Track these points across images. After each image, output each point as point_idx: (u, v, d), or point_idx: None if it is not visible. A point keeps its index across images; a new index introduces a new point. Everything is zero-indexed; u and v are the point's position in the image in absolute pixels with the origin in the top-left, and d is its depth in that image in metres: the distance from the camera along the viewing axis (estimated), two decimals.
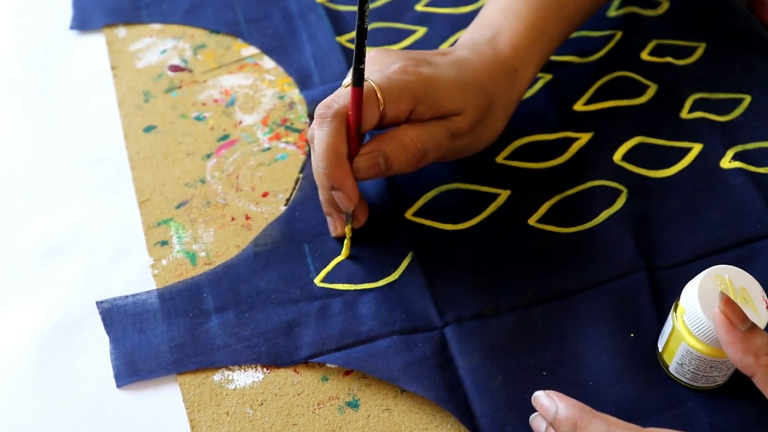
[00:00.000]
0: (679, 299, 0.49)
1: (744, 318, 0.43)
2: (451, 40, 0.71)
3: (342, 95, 0.53)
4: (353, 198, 0.53)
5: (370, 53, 0.55)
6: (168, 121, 0.66)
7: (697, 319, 0.46)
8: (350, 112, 0.52)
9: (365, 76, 0.51)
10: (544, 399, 0.46)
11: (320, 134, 0.52)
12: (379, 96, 0.52)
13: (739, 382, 0.50)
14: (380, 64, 0.54)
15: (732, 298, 0.45)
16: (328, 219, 0.58)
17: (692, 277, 0.48)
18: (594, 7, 0.65)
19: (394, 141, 0.53)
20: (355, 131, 0.52)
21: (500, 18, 0.59)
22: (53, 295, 0.57)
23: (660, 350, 0.51)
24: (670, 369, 0.51)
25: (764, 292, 0.47)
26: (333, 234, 0.58)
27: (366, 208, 0.57)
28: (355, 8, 0.74)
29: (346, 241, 0.57)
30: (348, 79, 0.53)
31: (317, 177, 0.54)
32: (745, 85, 0.67)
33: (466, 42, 0.59)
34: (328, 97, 0.53)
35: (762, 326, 0.46)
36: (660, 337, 0.52)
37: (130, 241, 0.59)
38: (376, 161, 0.53)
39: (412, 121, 0.54)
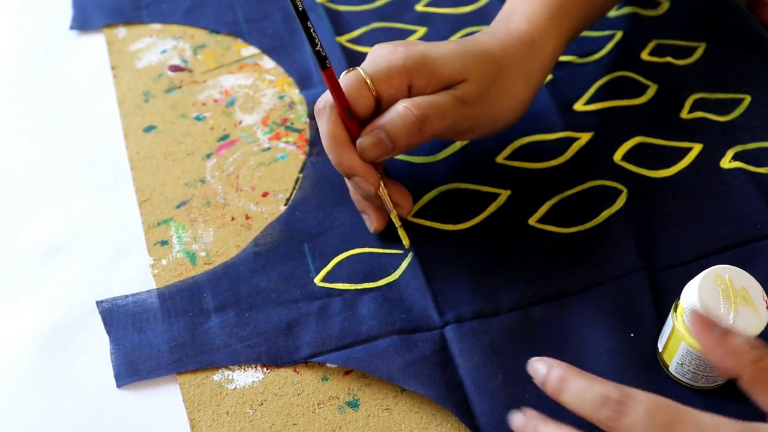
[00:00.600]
0: (679, 299, 0.49)
1: (713, 324, 0.43)
2: (452, 39, 0.71)
3: (328, 90, 0.53)
4: (370, 179, 0.53)
5: (372, 49, 0.55)
6: (168, 121, 0.66)
7: None
8: (336, 105, 0.52)
9: (360, 67, 0.53)
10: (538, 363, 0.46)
11: (320, 128, 0.53)
12: (367, 80, 0.52)
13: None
14: (374, 52, 0.54)
15: (732, 297, 0.45)
16: (364, 217, 0.58)
17: (692, 277, 0.48)
18: None
19: (390, 113, 0.52)
20: (343, 114, 0.52)
21: (516, 2, 0.60)
22: (53, 295, 0.57)
23: (660, 350, 0.51)
24: (670, 369, 0.51)
25: (764, 292, 0.47)
26: (372, 230, 0.58)
27: (406, 193, 0.57)
28: (355, 8, 0.74)
29: (399, 232, 0.57)
30: (343, 73, 0.54)
31: (339, 171, 0.54)
32: (745, 85, 0.67)
33: (483, 30, 0.59)
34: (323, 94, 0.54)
35: (762, 326, 0.46)
36: (660, 338, 0.52)
37: (130, 241, 0.59)
38: (379, 138, 0.52)
39: (415, 95, 0.53)
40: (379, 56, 0.53)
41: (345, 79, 0.53)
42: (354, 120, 0.53)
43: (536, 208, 0.60)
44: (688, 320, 0.44)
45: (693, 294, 0.47)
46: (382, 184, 0.54)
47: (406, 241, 0.57)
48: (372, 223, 0.57)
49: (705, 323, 0.43)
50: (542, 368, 0.44)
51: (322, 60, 0.52)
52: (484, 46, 0.56)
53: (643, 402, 0.40)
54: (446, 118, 0.53)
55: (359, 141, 0.53)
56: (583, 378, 0.42)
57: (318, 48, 0.52)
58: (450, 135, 0.56)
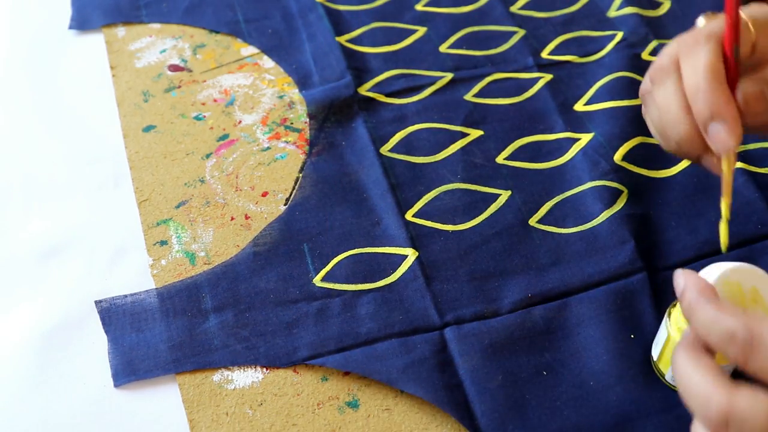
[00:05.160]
0: (673, 306, 0.48)
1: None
2: (452, 39, 0.71)
3: (707, 25, 0.46)
4: (737, 130, 0.44)
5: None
6: (167, 121, 0.66)
7: None
8: (726, 35, 0.44)
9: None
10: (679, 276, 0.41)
11: (695, 59, 0.44)
12: (750, 26, 0.45)
13: None
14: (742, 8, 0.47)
15: (742, 302, 0.44)
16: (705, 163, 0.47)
17: None
18: None
19: None
20: (731, 51, 0.44)
21: None
22: (52, 295, 0.57)
23: (655, 359, 0.51)
24: (666, 378, 0.50)
25: None
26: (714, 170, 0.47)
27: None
28: (355, 8, 0.74)
29: (722, 227, 0.46)
30: (701, 18, 0.47)
31: (699, 114, 0.45)
32: None
33: None
34: (692, 29, 0.46)
35: None
36: (654, 347, 0.51)
37: (129, 241, 0.59)
38: (764, 93, 0.45)
39: None
40: (754, 7, 0.46)
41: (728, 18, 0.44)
42: (737, 63, 0.45)
43: (536, 209, 0.60)
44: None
45: None
46: (733, 157, 0.45)
47: (725, 243, 0.47)
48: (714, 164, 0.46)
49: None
50: (679, 284, 0.41)
51: None
52: None
53: None
54: None
55: (746, 87, 0.45)
56: (710, 309, 0.38)
57: None
58: None
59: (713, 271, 0.44)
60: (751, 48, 0.45)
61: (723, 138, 0.44)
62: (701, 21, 0.47)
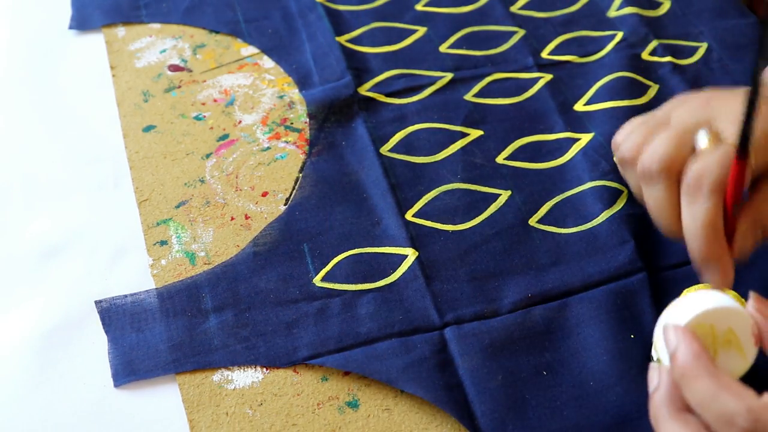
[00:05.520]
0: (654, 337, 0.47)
1: None
2: (452, 39, 0.71)
3: (712, 164, 0.45)
4: (730, 275, 0.45)
5: (675, 102, 0.50)
6: (167, 121, 0.66)
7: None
8: (729, 188, 0.45)
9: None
10: (670, 332, 0.41)
11: (694, 210, 0.45)
12: (751, 157, 0.43)
13: None
14: (721, 111, 0.48)
15: (712, 345, 0.42)
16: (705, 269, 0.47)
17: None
18: None
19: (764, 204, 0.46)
20: (731, 210, 0.45)
21: None
22: (52, 295, 0.57)
23: (655, 359, 0.50)
24: None
25: (755, 328, 0.43)
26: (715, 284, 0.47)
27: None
28: (355, 8, 0.74)
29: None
30: (704, 141, 0.47)
31: (693, 255, 0.46)
32: (746, 86, 0.67)
33: None
34: (695, 165, 0.46)
35: (747, 365, 0.43)
36: (653, 350, 0.51)
37: (129, 241, 0.59)
38: (756, 235, 0.46)
39: None
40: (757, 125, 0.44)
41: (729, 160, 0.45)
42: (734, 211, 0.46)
43: (536, 209, 0.60)
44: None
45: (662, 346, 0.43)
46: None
47: None
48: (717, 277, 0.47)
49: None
50: (671, 341, 0.40)
51: (745, 148, 0.43)
52: None
53: None
54: None
55: (742, 240, 0.46)
56: (709, 383, 0.37)
57: (750, 136, 0.43)
58: None
59: (689, 309, 0.43)
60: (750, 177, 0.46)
61: (715, 278, 0.46)
62: (703, 139, 0.47)
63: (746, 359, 0.43)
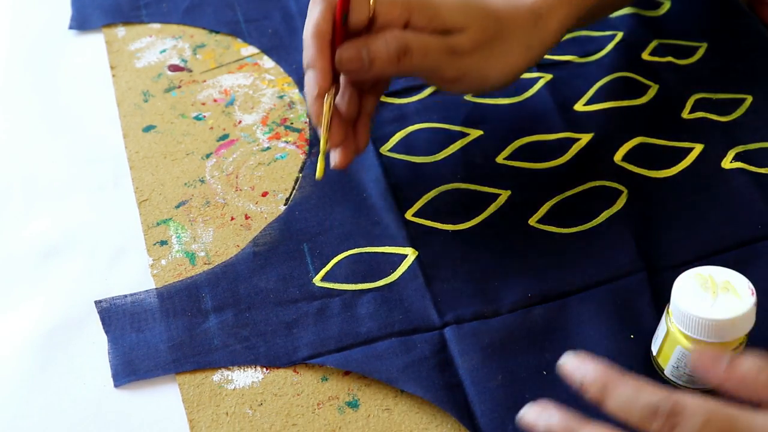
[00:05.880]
0: (669, 303, 0.49)
1: (718, 357, 0.41)
2: None
3: None
4: (321, 81, 0.52)
5: None
6: (167, 121, 0.66)
7: (681, 316, 0.47)
8: (338, 3, 0.51)
9: None
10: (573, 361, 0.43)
11: (309, 15, 0.52)
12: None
13: None
14: None
15: (712, 288, 0.46)
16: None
17: None
18: None
19: (378, 37, 0.52)
20: (340, 16, 0.51)
21: None
22: (53, 295, 0.57)
23: (654, 354, 0.51)
24: (665, 372, 0.50)
25: (752, 286, 0.47)
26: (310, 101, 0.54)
27: (342, 131, 0.55)
28: None
29: (320, 159, 0.55)
30: None
31: (304, 60, 0.53)
32: (746, 86, 0.67)
33: None
34: None
35: (746, 308, 0.45)
36: (653, 342, 0.51)
37: (129, 241, 0.59)
38: (359, 54, 0.52)
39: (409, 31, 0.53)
40: None
41: None
42: (345, 27, 0.52)
43: (536, 209, 0.60)
44: (692, 361, 0.43)
45: (674, 293, 0.47)
46: (331, 96, 0.53)
47: (319, 173, 0.55)
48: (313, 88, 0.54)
49: (709, 359, 0.41)
50: (578, 371, 0.42)
51: None
52: (491, 5, 0.55)
53: (696, 413, 0.37)
54: (428, 59, 0.53)
55: (340, 49, 0.52)
56: (628, 384, 0.40)
57: None
58: (433, 79, 0.56)
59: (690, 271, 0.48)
60: (369, 14, 0.52)
61: (310, 83, 0.53)
62: None
63: (744, 303, 0.46)
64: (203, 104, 0.67)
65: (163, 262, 0.58)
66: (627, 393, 0.39)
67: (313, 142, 0.64)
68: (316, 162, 0.54)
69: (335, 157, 0.56)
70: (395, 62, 0.52)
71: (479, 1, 0.55)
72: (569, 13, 0.58)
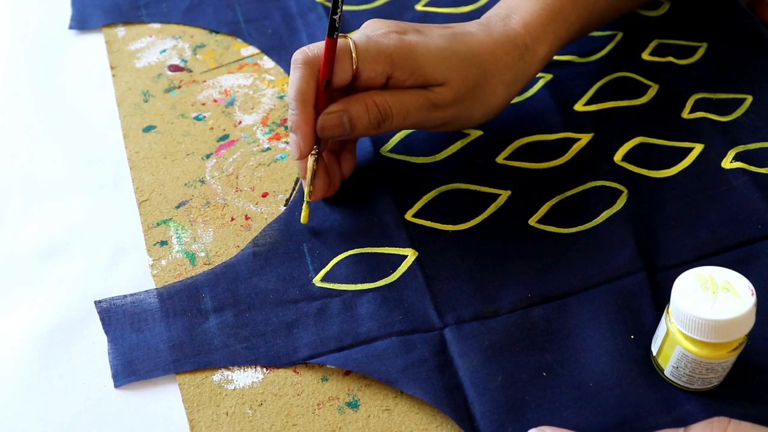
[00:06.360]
0: (669, 303, 0.49)
1: None
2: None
3: (320, 45, 0.54)
4: (303, 147, 0.55)
5: (367, 21, 0.57)
6: (167, 121, 0.66)
7: (681, 316, 0.46)
8: (322, 63, 0.53)
9: (352, 37, 0.53)
10: None
11: (291, 78, 0.54)
12: (353, 53, 0.53)
13: (736, 384, 0.50)
14: (368, 29, 0.56)
15: (712, 288, 0.46)
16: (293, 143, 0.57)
17: None
18: (621, 1, 0.65)
19: (359, 102, 0.54)
20: (322, 82, 0.53)
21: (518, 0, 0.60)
22: (52, 295, 0.57)
23: (654, 354, 0.51)
24: (665, 372, 0.50)
25: (752, 286, 0.47)
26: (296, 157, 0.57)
27: (325, 185, 0.58)
28: (355, 8, 0.74)
29: (304, 207, 0.58)
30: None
31: (288, 124, 0.55)
32: (746, 85, 0.67)
33: (481, 20, 0.59)
34: (308, 45, 0.55)
35: (745, 309, 0.45)
36: (653, 342, 0.51)
37: (130, 241, 0.59)
38: (341, 121, 0.54)
39: (391, 87, 0.55)
40: (372, 36, 0.54)
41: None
42: (327, 92, 0.54)
43: (536, 209, 0.60)
44: None
45: (674, 293, 0.47)
46: (312, 159, 0.56)
47: (304, 219, 0.58)
48: (297, 151, 0.56)
49: None
50: None
51: (333, 29, 0.52)
52: (474, 50, 0.56)
53: None
54: (408, 120, 0.55)
55: (322, 117, 0.54)
56: None
57: (337, 16, 0.52)
58: (415, 128, 0.59)
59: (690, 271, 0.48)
60: (352, 73, 0.54)
61: (293, 147, 0.55)
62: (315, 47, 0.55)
63: (745, 303, 0.46)
64: (203, 104, 0.67)
65: (163, 262, 0.58)
66: None
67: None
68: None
69: (320, 191, 0.58)
70: (375, 127, 0.55)
71: (463, 45, 0.56)
72: (555, 41, 0.59)
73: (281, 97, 0.68)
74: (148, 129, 0.66)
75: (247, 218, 0.60)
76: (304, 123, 0.54)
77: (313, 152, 0.56)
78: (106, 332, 0.54)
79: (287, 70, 0.70)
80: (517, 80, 0.58)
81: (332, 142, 0.59)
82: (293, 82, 0.54)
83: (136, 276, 0.57)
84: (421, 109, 0.55)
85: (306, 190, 0.57)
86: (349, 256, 0.57)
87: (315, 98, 0.54)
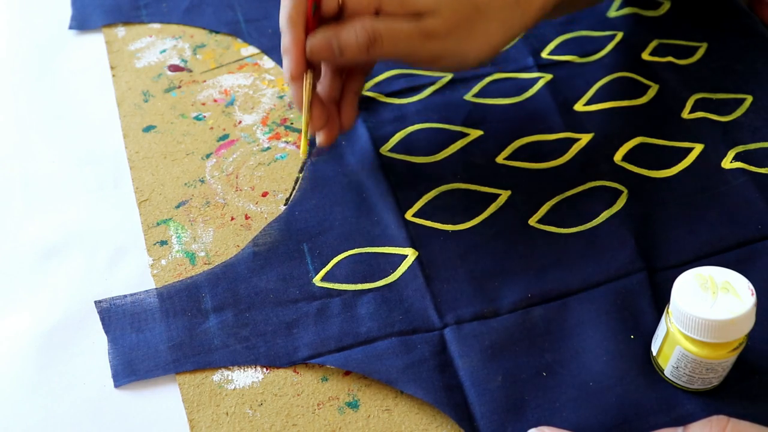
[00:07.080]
0: (669, 303, 0.49)
1: None
2: None
3: None
4: (294, 67, 0.55)
5: None
6: (167, 121, 0.66)
7: (681, 316, 0.47)
8: None
9: None
10: None
11: (282, 3, 0.54)
12: None
13: (736, 384, 0.50)
14: None
15: (712, 288, 0.46)
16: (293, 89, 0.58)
17: None
18: None
19: (348, 26, 0.53)
20: (310, 5, 0.53)
21: None
22: (52, 295, 0.57)
23: (654, 354, 0.51)
24: (665, 372, 0.50)
25: (752, 286, 0.47)
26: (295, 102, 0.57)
27: (323, 115, 0.57)
28: None
29: (303, 140, 0.58)
30: None
31: (282, 47, 0.55)
32: (746, 85, 0.67)
33: None
34: None
35: (745, 309, 0.45)
36: (653, 342, 0.51)
37: (130, 241, 0.59)
38: (329, 43, 0.54)
39: (383, 16, 0.54)
40: None
41: None
42: (316, 16, 0.54)
43: (536, 209, 0.60)
44: None
45: (674, 293, 0.47)
46: (308, 80, 0.56)
47: (303, 152, 0.59)
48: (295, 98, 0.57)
49: None
50: None
51: None
52: None
53: None
54: (399, 46, 0.54)
55: (310, 39, 0.54)
56: None
57: None
58: (409, 62, 0.57)
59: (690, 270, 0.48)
60: (338, 6, 0.54)
61: (286, 68, 0.55)
62: None
63: (744, 304, 0.46)
64: (203, 104, 0.67)
65: (163, 262, 0.58)
66: None
67: (313, 142, 0.64)
68: (307, 156, 0.55)
69: (320, 137, 0.59)
70: (365, 51, 0.54)
71: None
72: None
73: (281, 97, 0.68)
74: (148, 129, 0.66)
75: (247, 218, 0.60)
76: (293, 45, 0.54)
77: (307, 77, 0.55)
78: (106, 332, 0.54)
79: None
80: (513, 24, 0.56)
81: (332, 89, 0.59)
82: (284, 7, 0.54)
83: (136, 276, 0.57)
84: (412, 36, 0.54)
85: (304, 119, 0.57)
86: (350, 255, 0.57)
87: (305, 23, 0.54)
